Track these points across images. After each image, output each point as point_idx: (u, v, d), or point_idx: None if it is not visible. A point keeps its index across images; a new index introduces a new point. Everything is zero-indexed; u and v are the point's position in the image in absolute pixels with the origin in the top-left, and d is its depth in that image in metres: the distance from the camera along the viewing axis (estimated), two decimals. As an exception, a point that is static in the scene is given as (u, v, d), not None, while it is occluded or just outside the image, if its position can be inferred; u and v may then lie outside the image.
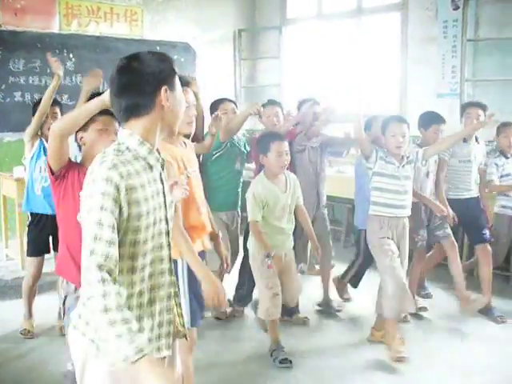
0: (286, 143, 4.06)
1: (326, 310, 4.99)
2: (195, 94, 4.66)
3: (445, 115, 4.80)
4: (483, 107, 4.84)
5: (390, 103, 7.22)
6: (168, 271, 2.04)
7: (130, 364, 1.74)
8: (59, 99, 4.46)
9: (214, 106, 4.70)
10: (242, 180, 4.81)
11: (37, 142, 4.42)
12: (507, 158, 5.09)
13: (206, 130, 4.77)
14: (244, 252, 4.66)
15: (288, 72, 8.60)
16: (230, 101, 4.82)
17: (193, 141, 4.37)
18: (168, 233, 2.05)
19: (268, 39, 8.87)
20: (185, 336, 2.17)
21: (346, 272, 5.07)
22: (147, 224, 1.90)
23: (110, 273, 1.77)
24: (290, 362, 4.05)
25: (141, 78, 1.93)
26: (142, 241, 1.90)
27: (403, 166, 4.10)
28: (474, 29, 6.49)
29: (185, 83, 2.95)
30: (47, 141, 4.38)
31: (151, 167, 1.96)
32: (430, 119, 4.67)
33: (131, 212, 1.85)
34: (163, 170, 2.04)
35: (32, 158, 4.43)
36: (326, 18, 8.08)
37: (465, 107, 4.98)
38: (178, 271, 2.95)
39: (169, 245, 2.05)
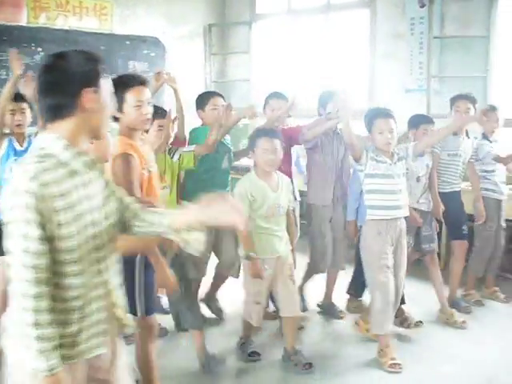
0: (274, 141, 3.80)
1: (329, 312, 4.87)
2: (175, 91, 4.59)
3: (412, 110, 4.87)
4: (472, 100, 4.84)
5: (358, 98, 7.29)
6: (103, 271, 2.01)
7: (38, 376, 1.80)
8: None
9: (203, 100, 4.45)
10: (229, 178, 4.62)
11: (5, 142, 4.16)
12: (490, 142, 5.08)
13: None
14: None
15: (258, 67, 8.63)
16: (220, 95, 4.56)
17: (174, 143, 4.32)
18: (105, 233, 1.99)
19: (238, 34, 8.90)
20: (132, 330, 2.17)
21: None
22: (78, 229, 1.87)
23: (43, 283, 1.79)
24: (259, 354, 4.07)
25: (64, 78, 1.88)
26: (74, 247, 1.87)
27: (395, 163, 3.95)
28: (439, 26, 6.61)
29: (141, 82, 3.02)
30: (17, 139, 4.26)
31: (76, 172, 1.90)
32: (419, 120, 4.63)
33: (58, 219, 1.82)
34: (95, 171, 1.99)
35: (1, 159, 4.17)
36: (296, 13, 8.14)
37: (454, 100, 4.93)
38: (135, 266, 3.10)
39: (106, 245, 2.00)
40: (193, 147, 4.10)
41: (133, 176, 2.93)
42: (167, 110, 3.76)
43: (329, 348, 4.35)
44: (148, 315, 3.14)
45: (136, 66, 7.95)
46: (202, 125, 4.49)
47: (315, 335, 4.58)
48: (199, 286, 4.32)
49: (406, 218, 4.12)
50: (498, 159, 5.05)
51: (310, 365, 3.91)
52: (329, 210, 4.63)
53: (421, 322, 4.60)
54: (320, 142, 4.54)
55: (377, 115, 3.97)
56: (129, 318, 2.17)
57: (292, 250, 4.08)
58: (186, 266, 3.84)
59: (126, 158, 2.92)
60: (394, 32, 6.93)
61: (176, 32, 8.43)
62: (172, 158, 3.89)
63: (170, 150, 3.94)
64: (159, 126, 3.68)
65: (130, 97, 2.97)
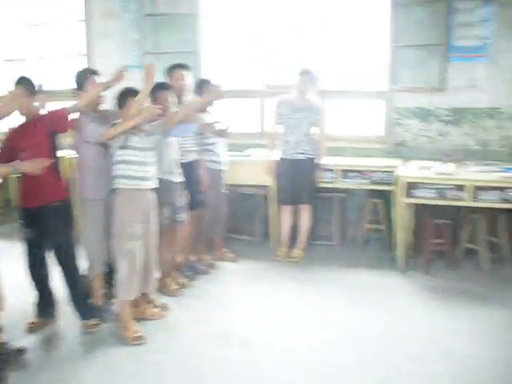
0: None
1: None
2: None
3: (136, 86, 4.98)
4: (187, 68, 5.19)
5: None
6: None
7: None
8: None
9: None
10: None
11: None
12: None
13: None
14: None
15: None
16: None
17: None
18: None
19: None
20: None
21: None
22: None
23: None
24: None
25: None
26: None
27: (145, 137, 4.15)
28: (151, 4, 6.81)
29: None
30: None
31: None
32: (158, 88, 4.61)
33: None
34: None
35: None
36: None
37: (170, 70, 5.16)
38: None
39: None
40: None
41: None
42: None
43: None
44: None
45: None
46: None
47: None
48: None
49: (156, 189, 4.29)
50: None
51: (22, 351, 3.93)
52: None
53: (166, 304, 4.71)
54: None
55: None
56: None
57: None
58: None
59: None
60: (107, 11, 6.98)
61: None
62: None
63: None
64: None
65: None
